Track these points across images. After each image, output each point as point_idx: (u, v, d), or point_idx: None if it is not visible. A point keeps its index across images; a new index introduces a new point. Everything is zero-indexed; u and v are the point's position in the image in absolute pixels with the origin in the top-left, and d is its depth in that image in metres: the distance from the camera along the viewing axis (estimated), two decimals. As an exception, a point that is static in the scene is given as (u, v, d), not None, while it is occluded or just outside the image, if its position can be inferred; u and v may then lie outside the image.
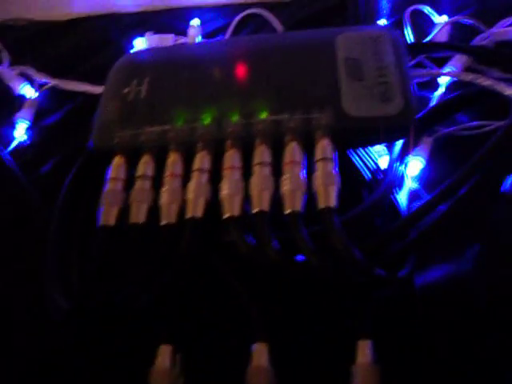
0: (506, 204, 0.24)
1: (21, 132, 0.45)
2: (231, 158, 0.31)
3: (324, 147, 0.30)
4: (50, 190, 0.37)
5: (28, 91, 0.48)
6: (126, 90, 0.35)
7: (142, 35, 0.50)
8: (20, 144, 0.44)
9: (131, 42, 0.51)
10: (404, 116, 0.30)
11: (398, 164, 0.34)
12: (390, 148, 0.36)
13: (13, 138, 0.45)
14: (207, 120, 0.32)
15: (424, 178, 0.37)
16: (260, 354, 0.27)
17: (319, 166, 0.29)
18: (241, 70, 0.35)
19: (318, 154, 0.30)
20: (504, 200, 0.23)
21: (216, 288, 0.30)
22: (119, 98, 0.35)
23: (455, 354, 0.28)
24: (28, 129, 0.45)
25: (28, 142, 0.45)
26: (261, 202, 0.28)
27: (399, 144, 0.35)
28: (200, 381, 0.28)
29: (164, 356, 0.27)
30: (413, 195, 0.36)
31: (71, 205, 0.36)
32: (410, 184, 0.36)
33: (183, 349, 0.28)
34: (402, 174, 0.35)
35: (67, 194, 0.36)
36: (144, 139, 0.32)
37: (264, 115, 0.31)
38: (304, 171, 0.30)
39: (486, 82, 0.31)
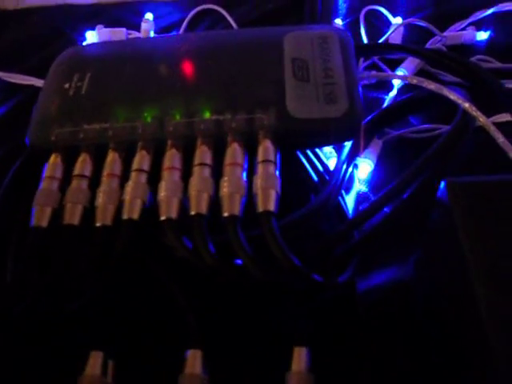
0: (438, 210, 0.23)
1: (-39, 125, 0.43)
2: (171, 158, 0.30)
3: (266, 149, 0.29)
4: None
5: (-29, 83, 0.46)
6: (66, 85, 0.33)
7: (94, 28, 0.48)
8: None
9: (83, 35, 0.49)
10: (348, 118, 0.30)
11: (345, 166, 0.34)
12: (338, 150, 0.36)
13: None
14: (148, 118, 0.31)
15: (373, 181, 0.37)
16: (194, 360, 0.26)
17: (260, 169, 0.29)
18: (186, 67, 0.34)
19: (260, 156, 0.29)
20: (438, 205, 0.23)
21: (152, 292, 0.30)
22: (59, 93, 0.33)
23: (395, 361, 0.28)
24: (-31, 122, 0.44)
25: (-32, 136, 0.43)
26: (199, 205, 0.28)
27: (348, 146, 0.35)
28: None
29: (94, 362, 0.26)
30: (361, 198, 0.36)
31: (10, 203, 0.34)
32: (358, 186, 0.36)
33: (115, 355, 0.27)
34: (350, 177, 0.35)
35: (6, 192, 0.34)
36: (82, 137, 0.31)
37: (207, 114, 0.30)
38: (245, 173, 0.29)
39: (431, 85, 0.31)
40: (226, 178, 0.28)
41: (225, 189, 0.28)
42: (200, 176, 0.29)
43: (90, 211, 0.29)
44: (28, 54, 0.48)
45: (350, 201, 0.35)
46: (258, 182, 0.28)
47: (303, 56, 0.33)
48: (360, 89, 0.31)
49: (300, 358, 0.26)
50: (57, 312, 0.28)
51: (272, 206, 0.27)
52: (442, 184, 0.22)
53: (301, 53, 0.33)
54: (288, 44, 0.33)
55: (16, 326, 0.28)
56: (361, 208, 0.34)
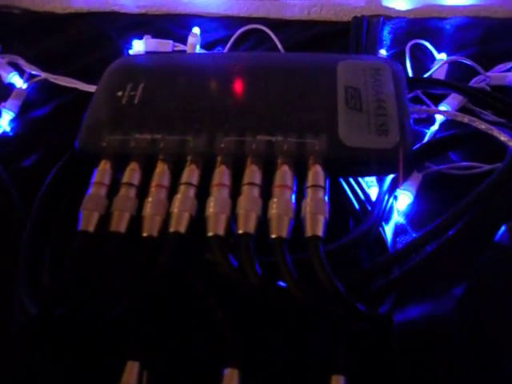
0: (496, 252, 0.23)
1: (4, 123, 0.43)
2: (221, 174, 0.30)
3: (316, 174, 0.30)
4: (30, 186, 0.36)
5: (17, 81, 0.46)
6: (119, 93, 0.34)
7: (140, 37, 0.49)
8: (2, 134, 0.43)
9: (128, 43, 0.50)
10: (398, 151, 0.30)
11: (387, 197, 0.34)
12: (380, 179, 0.36)
13: (-3, 127, 0.43)
14: (199, 133, 0.31)
15: (410, 213, 0.37)
16: (231, 379, 0.26)
17: (309, 193, 0.29)
18: (238, 86, 0.34)
19: (310, 181, 0.29)
20: (495, 248, 0.23)
21: (192, 307, 0.30)
22: (112, 101, 0.34)
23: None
24: (12, 120, 0.44)
25: (11, 134, 0.43)
26: (247, 224, 0.28)
27: (390, 177, 0.35)
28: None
29: (130, 373, 0.26)
30: (398, 229, 0.36)
31: (49, 205, 0.34)
32: (396, 218, 0.36)
33: (151, 367, 0.27)
34: (391, 208, 0.35)
35: (46, 194, 0.35)
36: (133, 146, 0.31)
37: (258, 135, 0.31)
38: (293, 196, 0.29)
39: (481, 125, 0.31)
40: (275, 200, 0.28)
41: (273, 210, 0.28)
42: (249, 195, 0.29)
43: (135, 221, 0.30)
44: (74, 58, 0.49)
45: (388, 231, 0.35)
46: (308, 206, 0.28)
47: (356, 85, 0.33)
48: (411, 122, 0.31)
49: (338, 387, 0.26)
50: (95, 320, 0.28)
51: (320, 231, 0.27)
52: (502, 228, 0.22)
53: (354, 81, 0.33)
54: (341, 72, 0.34)
55: (55, 330, 0.29)
56: (401, 240, 0.34)
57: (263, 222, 0.28)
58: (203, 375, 0.27)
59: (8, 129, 0.43)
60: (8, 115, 0.44)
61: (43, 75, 0.46)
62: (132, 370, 0.26)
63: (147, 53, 0.48)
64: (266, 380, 0.27)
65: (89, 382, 0.28)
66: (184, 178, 0.30)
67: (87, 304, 0.28)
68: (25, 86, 0.46)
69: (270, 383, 0.27)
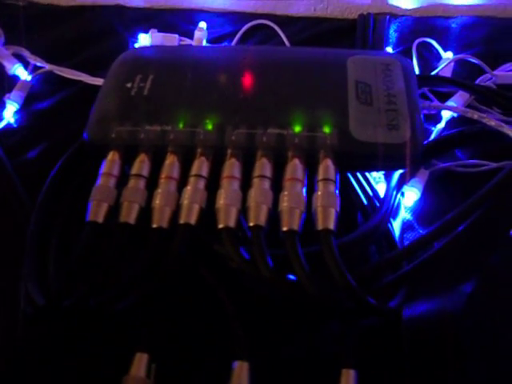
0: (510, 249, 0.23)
1: (9, 114, 0.43)
2: (231, 167, 0.30)
3: (327, 168, 0.29)
4: (34, 178, 0.36)
5: (21, 73, 0.46)
6: (128, 85, 0.34)
7: (145, 31, 0.49)
8: (7, 126, 0.43)
9: (134, 37, 0.49)
10: (409, 146, 0.30)
11: (395, 193, 0.34)
12: (387, 175, 0.36)
13: (1, 118, 0.43)
14: (209, 126, 0.31)
15: (417, 210, 0.37)
16: (240, 372, 0.26)
17: (320, 187, 0.29)
18: (248, 79, 0.34)
19: (321, 174, 0.29)
20: (509, 244, 0.23)
21: (201, 299, 0.29)
22: (121, 92, 0.34)
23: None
24: (16, 112, 0.44)
25: (15, 126, 0.43)
26: (258, 216, 0.28)
27: (397, 173, 0.35)
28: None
29: (139, 365, 0.26)
30: (405, 225, 0.36)
31: (55, 196, 0.34)
32: (403, 214, 0.36)
33: (159, 359, 0.27)
34: (398, 204, 0.35)
35: (52, 185, 0.34)
36: (142, 137, 0.31)
37: (269, 128, 0.31)
38: (304, 189, 0.29)
39: (491, 122, 0.31)
40: (285, 193, 0.28)
41: (285, 203, 0.28)
42: (260, 188, 0.29)
43: (145, 212, 0.29)
44: (79, 50, 0.49)
45: (395, 227, 0.35)
46: (319, 199, 0.28)
47: (366, 80, 0.33)
48: (422, 118, 0.31)
49: (348, 381, 0.25)
50: (104, 311, 0.28)
51: (332, 225, 0.27)
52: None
53: (364, 76, 0.33)
54: (351, 67, 0.34)
55: (63, 321, 0.28)
56: (410, 236, 0.34)
57: (274, 215, 0.28)
58: (212, 368, 0.27)
59: (12, 120, 0.43)
60: (12, 107, 0.43)
61: (48, 67, 0.46)
62: (140, 361, 0.26)
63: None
64: (276, 373, 0.27)
65: (96, 373, 0.27)
66: (194, 169, 0.30)
67: (95, 295, 0.28)
68: (29, 77, 0.46)
69: (280, 376, 0.27)
